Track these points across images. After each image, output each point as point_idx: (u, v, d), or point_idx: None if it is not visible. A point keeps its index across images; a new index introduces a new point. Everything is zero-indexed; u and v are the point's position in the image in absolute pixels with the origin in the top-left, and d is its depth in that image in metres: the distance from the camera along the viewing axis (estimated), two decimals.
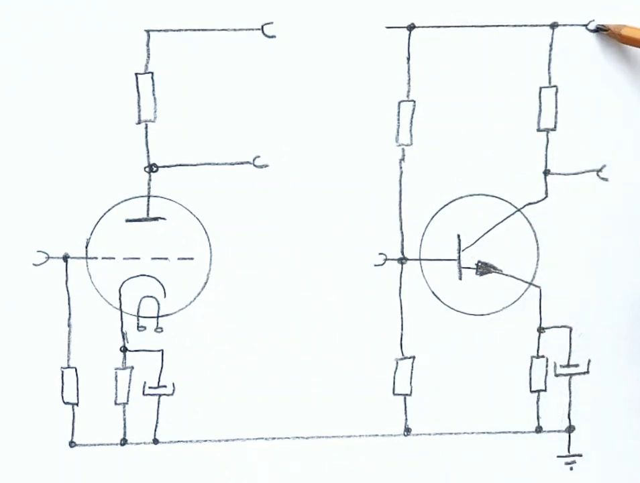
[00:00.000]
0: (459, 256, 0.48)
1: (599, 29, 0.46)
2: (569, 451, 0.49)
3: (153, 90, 0.46)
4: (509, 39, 0.47)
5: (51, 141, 0.46)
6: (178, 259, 0.47)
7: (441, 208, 0.48)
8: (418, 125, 0.47)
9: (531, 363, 0.48)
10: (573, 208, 0.48)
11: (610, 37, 0.46)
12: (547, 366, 0.48)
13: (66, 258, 0.47)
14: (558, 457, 0.49)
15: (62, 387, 0.47)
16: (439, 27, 0.47)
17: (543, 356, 0.48)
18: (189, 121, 0.47)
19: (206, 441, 0.48)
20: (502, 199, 0.48)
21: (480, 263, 0.48)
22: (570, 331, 0.48)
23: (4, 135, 0.46)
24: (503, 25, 0.47)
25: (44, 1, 0.46)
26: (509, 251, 0.48)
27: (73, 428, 0.47)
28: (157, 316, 0.47)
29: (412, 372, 0.48)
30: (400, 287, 0.48)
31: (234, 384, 0.48)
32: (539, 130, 0.48)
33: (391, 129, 0.47)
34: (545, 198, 0.48)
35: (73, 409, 0.47)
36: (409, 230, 0.48)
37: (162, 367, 0.48)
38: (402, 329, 0.48)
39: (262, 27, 0.46)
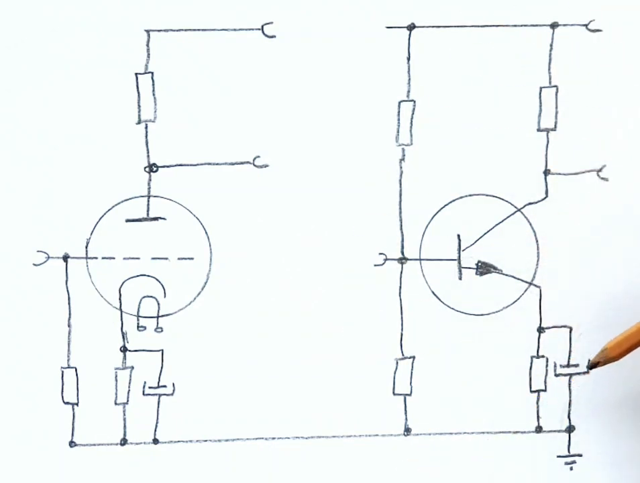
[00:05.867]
0: (459, 256, 0.48)
1: (590, 367, 0.46)
2: (569, 451, 0.49)
3: (153, 90, 0.46)
4: (509, 39, 0.47)
5: (52, 141, 0.46)
6: (178, 259, 0.47)
7: (441, 208, 0.48)
8: (418, 125, 0.47)
9: (531, 363, 0.48)
10: (573, 208, 0.48)
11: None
12: (547, 366, 0.48)
13: (66, 258, 0.47)
14: (558, 457, 0.49)
15: (62, 387, 0.47)
16: (439, 27, 0.47)
17: (543, 356, 0.48)
18: (189, 121, 0.47)
19: (206, 441, 0.48)
20: (502, 199, 0.48)
21: (480, 263, 0.48)
22: (570, 331, 0.48)
23: (4, 135, 0.46)
24: (503, 25, 0.47)
25: (44, 1, 0.46)
26: (509, 251, 0.48)
27: (73, 429, 0.47)
28: (157, 316, 0.47)
29: (412, 372, 0.48)
30: (400, 287, 0.48)
31: (234, 384, 0.48)
32: (539, 130, 0.48)
33: (391, 129, 0.47)
34: (545, 198, 0.48)
35: (73, 409, 0.47)
36: (409, 230, 0.48)
37: (162, 367, 0.48)
38: (402, 329, 0.48)
39: (262, 27, 0.46)
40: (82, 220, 0.47)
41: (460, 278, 0.48)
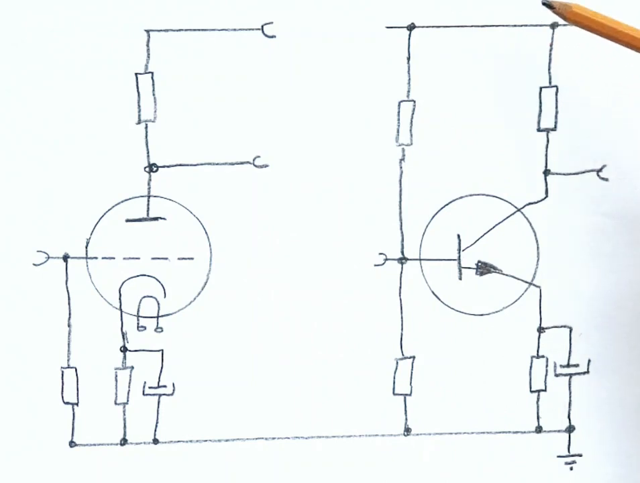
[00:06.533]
0: (459, 256, 0.48)
1: (545, 5, 0.44)
2: (569, 451, 0.49)
3: (153, 90, 0.46)
4: (509, 39, 0.47)
5: (51, 141, 0.46)
6: (178, 259, 0.47)
7: (441, 208, 0.48)
8: (418, 125, 0.47)
9: (531, 363, 0.48)
10: (573, 208, 0.48)
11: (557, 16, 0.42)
12: (547, 366, 0.48)
13: (66, 258, 0.47)
14: (558, 457, 0.49)
15: (62, 387, 0.47)
16: (439, 27, 0.47)
17: (543, 356, 0.48)
18: (189, 121, 0.47)
19: (206, 441, 0.48)
20: (502, 199, 0.48)
21: (479, 263, 0.48)
22: (570, 331, 0.48)
23: (4, 135, 0.46)
24: (503, 25, 0.47)
25: (44, 1, 0.46)
26: (509, 251, 0.48)
27: (73, 428, 0.47)
28: (157, 316, 0.47)
29: (412, 372, 0.48)
30: (400, 287, 0.48)
31: (234, 384, 0.48)
32: (539, 130, 0.48)
33: (391, 129, 0.47)
34: (545, 198, 0.48)
35: (73, 409, 0.47)
36: (409, 230, 0.48)
37: (162, 367, 0.48)
38: (402, 329, 0.48)
39: (262, 27, 0.46)
40: (82, 220, 0.47)
41: (460, 278, 0.48)
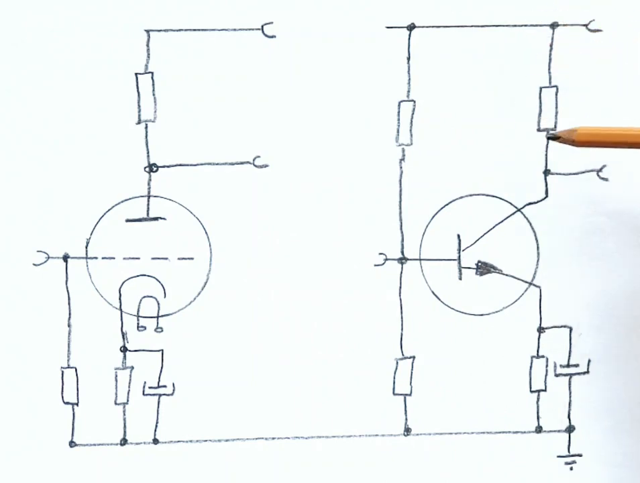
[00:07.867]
0: (459, 256, 0.48)
1: (550, 138, 0.44)
2: (569, 451, 0.49)
3: (153, 90, 0.46)
4: (509, 39, 0.47)
5: (51, 141, 0.46)
6: (178, 259, 0.47)
7: (441, 208, 0.48)
8: (418, 125, 0.47)
9: (531, 363, 0.48)
10: (573, 208, 0.48)
11: (564, 143, 0.43)
12: (547, 366, 0.48)
13: (66, 258, 0.47)
14: (558, 457, 0.49)
15: (62, 387, 0.47)
16: (439, 27, 0.47)
17: (543, 356, 0.48)
18: (189, 121, 0.47)
19: (206, 441, 0.48)
20: (502, 199, 0.48)
21: (480, 263, 0.48)
22: (570, 331, 0.48)
23: (4, 135, 0.46)
24: (503, 25, 0.47)
25: (44, 1, 0.46)
26: (509, 251, 0.48)
27: (73, 428, 0.47)
28: (157, 316, 0.47)
29: (412, 372, 0.48)
30: (400, 287, 0.48)
31: (234, 384, 0.48)
32: (539, 130, 0.48)
33: (391, 129, 0.47)
34: (545, 198, 0.48)
35: (73, 409, 0.47)
36: (409, 230, 0.48)
37: (162, 367, 0.48)
38: (402, 329, 0.48)
39: (262, 27, 0.46)
40: (82, 220, 0.47)
41: (460, 278, 0.48)
